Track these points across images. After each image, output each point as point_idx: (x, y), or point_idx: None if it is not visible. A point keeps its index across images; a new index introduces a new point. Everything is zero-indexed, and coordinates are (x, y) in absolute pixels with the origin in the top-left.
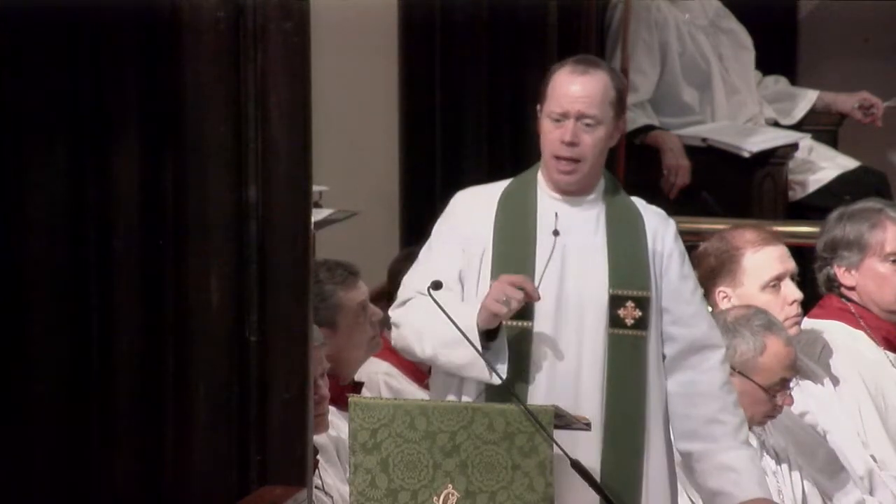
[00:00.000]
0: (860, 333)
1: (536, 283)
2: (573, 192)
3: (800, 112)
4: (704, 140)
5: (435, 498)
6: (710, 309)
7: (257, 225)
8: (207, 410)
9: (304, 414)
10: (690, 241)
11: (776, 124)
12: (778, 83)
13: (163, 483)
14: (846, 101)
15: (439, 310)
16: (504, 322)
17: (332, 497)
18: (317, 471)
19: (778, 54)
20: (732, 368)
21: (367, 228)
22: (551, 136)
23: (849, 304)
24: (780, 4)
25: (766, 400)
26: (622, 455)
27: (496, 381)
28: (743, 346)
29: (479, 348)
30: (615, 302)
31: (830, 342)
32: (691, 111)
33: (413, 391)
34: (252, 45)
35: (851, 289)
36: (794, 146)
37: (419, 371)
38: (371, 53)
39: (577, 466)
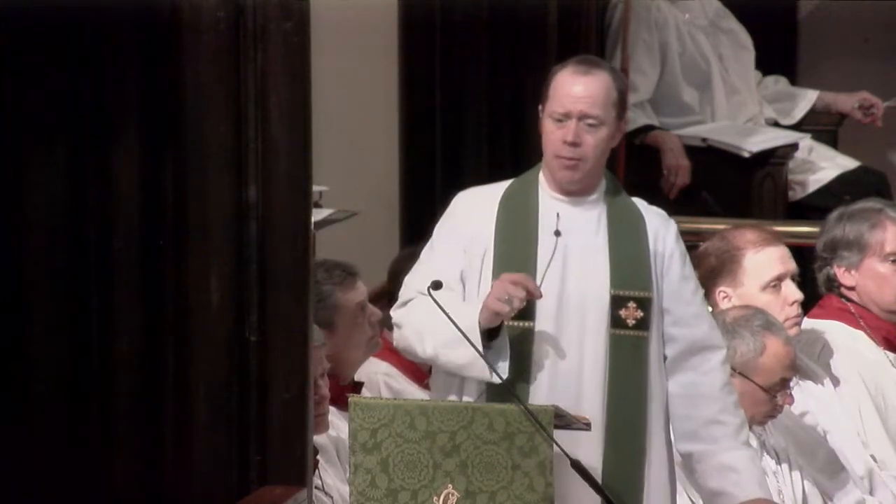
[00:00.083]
0: (860, 333)
1: (538, 284)
2: (575, 192)
3: (800, 112)
4: (704, 140)
5: (435, 498)
6: (710, 309)
7: (257, 225)
8: (207, 410)
9: (304, 414)
10: (690, 241)
11: (776, 124)
12: (778, 83)
13: (163, 483)
14: (846, 101)
15: (440, 309)
16: (505, 321)
17: (331, 497)
18: (317, 471)
19: (778, 54)
20: (732, 369)
21: (367, 228)
22: (553, 136)
23: (849, 304)
24: (780, 4)
25: (766, 400)
26: (624, 455)
27: (497, 380)
28: (742, 346)
29: (480, 348)
30: (616, 302)
31: (830, 342)
32: (691, 111)
33: (413, 391)
34: (252, 45)
35: (851, 289)
36: (794, 146)
37: (419, 371)
38: (371, 53)
39: (577, 467)
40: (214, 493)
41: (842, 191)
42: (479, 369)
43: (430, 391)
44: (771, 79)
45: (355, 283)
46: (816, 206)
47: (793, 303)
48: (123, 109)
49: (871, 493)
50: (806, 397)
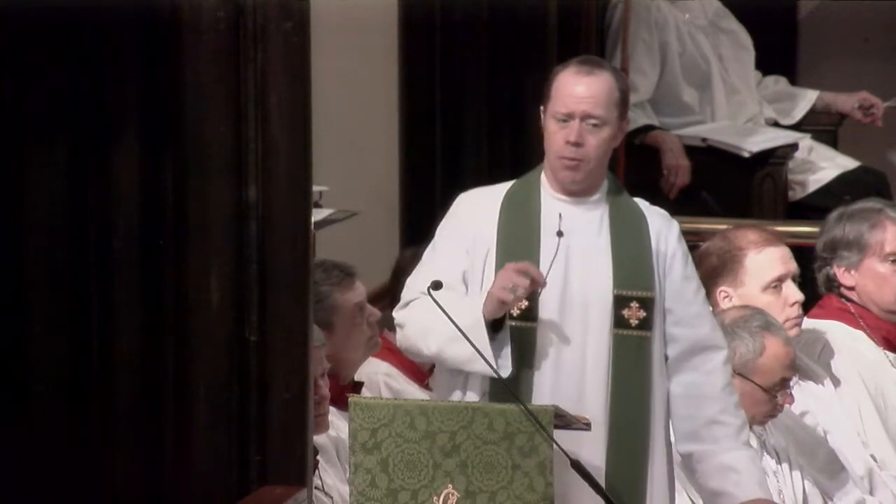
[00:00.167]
0: (860, 333)
1: None
2: (577, 192)
3: (800, 112)
4: (704, 140)
5: (435, 498)
6: (710, 309)
7: (257, 225)
8: (207, 410)
9: (304, 414)
10: (691, 241)
11: (776, 124)
12: (778, 83)
13: (163, 483)
14: (846, 101)
15: (443, 304)
16: (511, 311)
17: (331, 497)
18: (317, 471)
19: (778, 54)
20: (732, 370)
21: (367, 228)
22: (556, 136)
23: (848, 304)
24: (780, 4)
25: (766, 400)
26: (627, 455)
27: (503, 373)
28: (742, 347)
29: (486, 340)
30: (619, 302)
31: (830, 342)
32: (691, 111)
33: (413, 391)
34: (252, 45)
35: (851, 289)
36: (794, 146)
37: (419, 371)
38: (371, 53)
39: (577, 467)
40: (214, 493)
41: (842, 191)
42: (483, 363)
43: (432, 392)
44: (771, 79)
45: (353, 283)
46: (816, 206)
47: (793, 303)
48: (123, 109)
49: (871, 493)
50: (806, 397)
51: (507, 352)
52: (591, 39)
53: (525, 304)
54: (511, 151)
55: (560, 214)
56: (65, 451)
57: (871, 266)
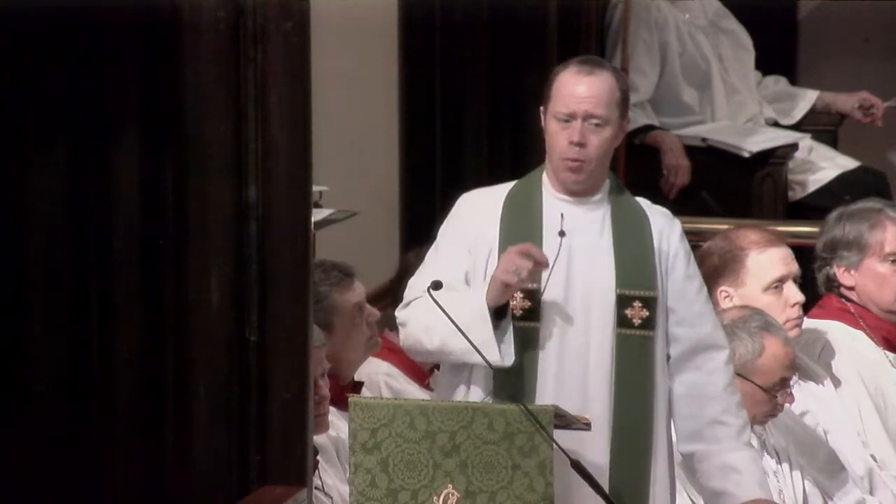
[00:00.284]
0: (860, 333)
1: (543, 284)
2: (579, 192)
3: (800, 112)
4: (704, 140)
5: (435, 498)
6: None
7: (257, 225)
8: (207, 410)
9: (304, 414)
10: (691, 241)
11: (776, 124)
12: (778, 83)
13: (163, 483)
14: (846, 101)
15: (444, 303)
16: (512, 302)
17: (331, 497)
18: (317, 471)
19: (778, 54)
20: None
21: (367, 228)
22: (558, 137)
23: (848, 304)
24: (780, 4)
25: (766, 400)
26: (630, 455)
27: (506, 361)
28: (741, 348)
29: (490, 328)
30: (622, 302)
31: (830, 342)
32: (691, 111)
33: (413, 391)
34: (252, 45)
35: (851, 289)
36: (793, 146)
37: (420, 371)
38: (371, 53)
39: (577, 467)
40: (214, 493)
41: (842, 191)
42: (488, 353)
43: (433, 392)
44: (771, 79)
45: (352, 283)
46: (816, 206)
47: (794, 304)
48: (123, 109)
49: (871, 492)
50: (806, 397)
51: (510, 340)
52: (591, 39)
53: (528, 304)
54: (511, 151)
55: (562, 214)
56: (65, 451)
57: (871, 266)
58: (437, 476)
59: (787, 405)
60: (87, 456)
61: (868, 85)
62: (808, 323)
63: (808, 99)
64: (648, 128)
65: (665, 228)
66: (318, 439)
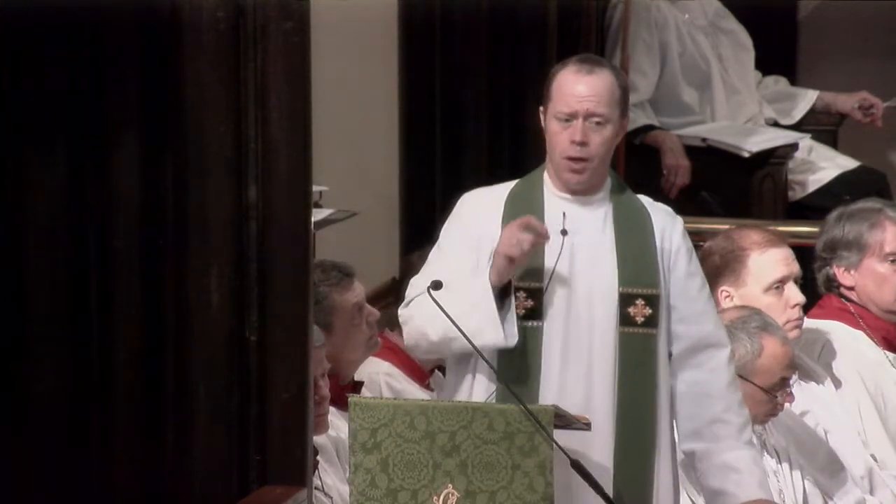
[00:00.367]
0: (860, 333)
1: (545, 283)
2: (581, 191)
3: (799, 112)
4: (704, 140)
5: (435, 498)
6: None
7: (257, 225)
8: (207, 410)
9: (304, 414)
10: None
11: (776, 124)
12: (778, 83)
13: (163, 483)
14: (846, 101)
15: (448, 291)
16: (514, 289)
17: (331, 497)
18: (317, 471)
19: (778, 54)
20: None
21: (367, 228)
22: (560, 136)
23: (848, 304)
24: (780, 4)
25: (767, 400)
26: (634, 454)
27: (510, 342)
28: (740, 349)
29: (494, 306)
30: (625, 300)
31: (830, 342)
32: (691, 111)
33: (414, 391)
34: (252, 45)
35: (851, 289)
36: (793, 146)
37: (420, 371)
38: (371, 54)
39: (577, 466)
40: (214, 494)
41: (842, 191)
42: (492, 335)
43: (433, 392)
44: (771, 79)
45: (352, 283)
46: (816, 206)
47: (794, 305)
48: (123, 109)
49: (871, 492)
50: (806, 397)
51: (514, 320)
52: (591, 39)
53: (530, 303)
54: (511, 151)
55: (564, 213)
56: (65, 451)
57: (871, 266)
58: (437, 476)
59: (787, 405)
60: (87, 456)
61: (868, 85)
62: (809, 323)
63: (808, 99)
64: (648, 128)
65: (667, 226)
66: (318, 439)
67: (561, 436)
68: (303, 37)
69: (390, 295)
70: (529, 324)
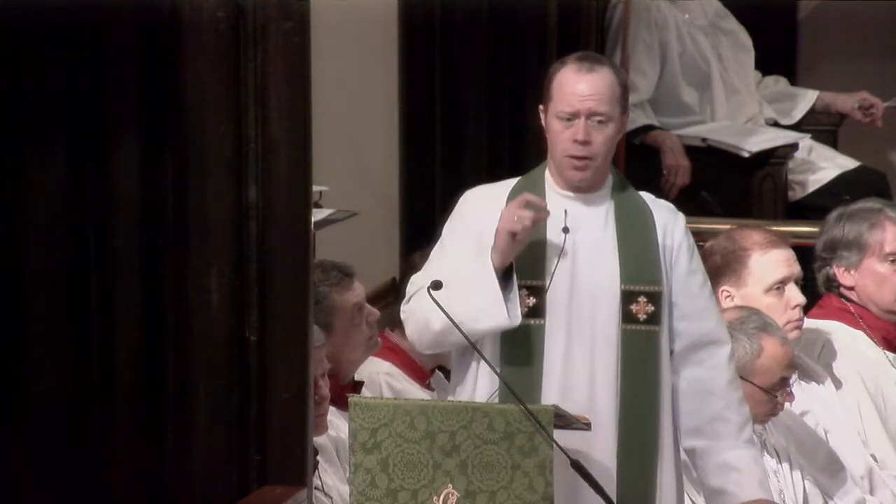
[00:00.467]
0: (860, 333)
1: (548, 281)
2: (583, 189)
3: (799, 112)
4: (704, 140)
5: (435, 498)
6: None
7: (257, 225)
8: (207, 410)
9: (304, 414)
10: None
11: (776, 124)
12: (778, 83)
13: (163, 483)
14: (846, 101)
15: (449, 288)
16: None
17: (331, 497)
18: (317, 471)
19: (778, 54)
20: None
21: (367, 228)
22: (562, 135)
23: (848, 304)
24: (780, 4)
25: (767, 400)
26: (637, 452)
27: (513, 322)
28: (740, 349)
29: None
30: (627, 297)
31: (830, 342)
32: (691, 111)
33: (414, 391)
34: (252, 45)
35: (851, 289)
36: (793, 146)
37: (421, 371)
38: (371, 54)
39: (577, 466)
40: (214, 493)
41: (842, 191)
42: (497, 316)
43: (433, 392)
44: (771, 79)
45: (352, 283)
46: (816, 206)
47: (795, 306)
48: (123, 109)
49: (871, 492)
50: (807, 397)
51: (517, 300)
52: (591, 39)
53: (532, 301)
54: (511, 151)
55: (566, 211)
56: (65, 451)
57: (871, 266)
58: (437, 476)
59: (787, 405)
60: (87, 456)
61: (868, 85)
62: (808, 323)
63: (807, 99)
64: (648, 128)
65: (669, 223)
66: (318, 439)
67: (564, 435)
68: (303, 37)
69: (390, 295)
70: (531, 322)
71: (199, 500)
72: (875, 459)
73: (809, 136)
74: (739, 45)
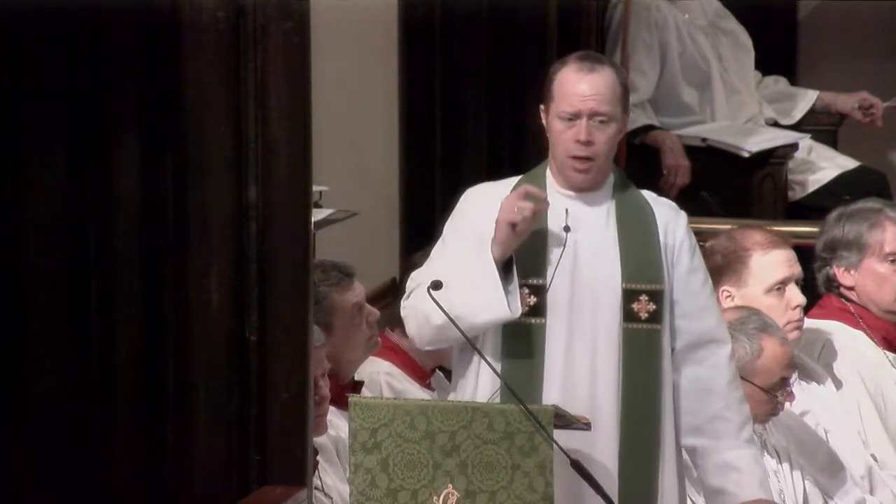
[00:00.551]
0: (860, 333)
1: (549, 280)
2: (585, 188)
3: (799, 112)
4: (704, 140)
5: (435, 498)
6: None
7: (257, 225)
8: (207, 410)
9: (304, 414)
10: None
11: (776, 124)
12: (778, 83)
13: (163, 483)
14: (846, 101)
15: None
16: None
17: (331, 497)
18: (317, 471)
19: (778, 54)
20: None
21: (367, 228)
22: (564, 136)
23: (848, 304)
24: (780, 4)
25: (767, 400)
26: (640, 451)
27: (515, 314)
28: (740, 350)
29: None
30: (629, 296)
31: (830, 342)
32: (691, 111)
33: (414, 391)
34: (252, 45)
35: (850, 289)
36: (793, 146)
37: (421, 371)
38: (371, 54)
39: (577, 466)
40: (214, 494)
41: (842, 191)
42: (497, 308)
43: (433, 392)
44: (771, 79)
45: (352, 283)
46: (816, 206)
47: (795, 307)
48: (123, 109)
49: (871, 492)
50: (807, 397)
51: (517, 292)
52: (591, 39)
53: (533, 300)
54: (511, 151)
55: (567, 210)
56: (65, 451)
57: (871, 266)
58: (437, 476)
59: (787, 405)
60: (87, 456)
61: (868, 85)
62: (808, 323)
63: (807, 99)
64: (648, 128)
65: (671, 221)
66: (318, 439)
67: (566, 435)
68: (303, 37)
69: (390, 295)
70: (532, 321)
71: (199, 500)
72: (875, 459)
73: (809, 136)
74: (739, 45)
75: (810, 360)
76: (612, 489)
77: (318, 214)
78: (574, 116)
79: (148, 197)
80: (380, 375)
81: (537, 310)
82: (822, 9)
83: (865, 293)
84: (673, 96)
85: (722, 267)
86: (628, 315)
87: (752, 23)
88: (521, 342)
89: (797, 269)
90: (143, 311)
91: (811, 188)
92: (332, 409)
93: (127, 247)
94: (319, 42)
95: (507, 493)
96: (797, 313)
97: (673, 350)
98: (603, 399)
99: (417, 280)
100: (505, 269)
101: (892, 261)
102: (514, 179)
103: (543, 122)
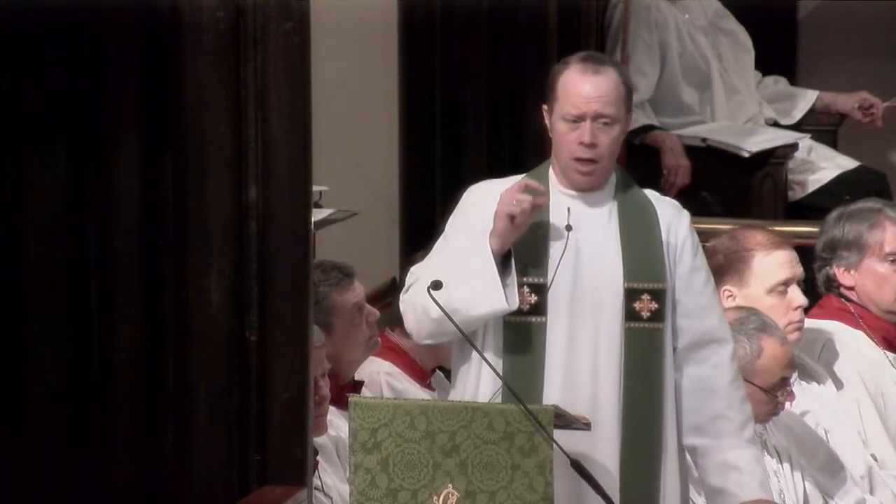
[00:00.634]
0: (860, 333)
1: (550, 279)
2: (587, 187)
3: (799, 112)
4: (704, 140)
5: (435, 498)
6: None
7: (257, 225)
8: (207, 410)
9: (304, 414)
10: None
11: (776, 124)
12: (778, 83)
13: (163, 483)
14: (846, 101)
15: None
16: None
17: (331, 497)
18: (317, 471)
19: (778, 54)
20: None
21: (367, 228)
22: (568, 137)
23: (848, 304)
24: (780, 4)
25: (767, 400)
26: (641, 450)
27: (513, 305)
28: (740, 350)
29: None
30: (631, 295)
31: (830, 342)
32: (691, 111)
33: (415, 391)
34: (252, 45)
35: (850, 289)
36: (793, 146)
37: (421, 371)
38: (371, 54)
39: (577, 466)
40: (214, 494)
41: (841, 191)
42: (495, 300)
43: (434, 392)
44: (771, 79)
45: (352, 283)
46: (816, 206)
47: (797, 308)
48: (123, 109)
49: (871, 492)
50: (807, 397)
51: (514, 283)
52: (591, 39)
53: (534, 299)
54: (511, 151)
55: (569, 209)
56: (65, 451)
57: (871, 266)
58: (437, 476)
59: (787, 405)
60: (87, 456)
61: (868, 85)
62: (809, 323)
63: (807, 99)
64: (648, 128)
65: (673, 219)
66: (318, 439)
67: (567, 435)
68: (303, 37)
69: (390, 295)
70: (533, 319)
71: (199, 500)
72: (875, 459)
73: (809, 136)
74: (739, 45)
75: (810, 360)
76: (613, 489)
77: (318, 214)
78: (578, 118)
79: (148, 197)
80: (380, 375)
81: (538, 308)
82: (822, 9)
83: (865, 293)
84: (673, 96)
85: (724, 267)
86: (630, 314)
87: (752, 23)
88: (521, 341)
89: (799, 270)
90: (143, 311)
91: (811, 188)
92: (332, 409)
93: (127, 247)
94: (319, 42)
95: (507, 493)
96: (798, 314)
97: (675, 349)
98: (604, 398)
99: (417, 274)
100: (504, 262)
101: (892, 261)
102: (517, 177)
103: (546, 122)
